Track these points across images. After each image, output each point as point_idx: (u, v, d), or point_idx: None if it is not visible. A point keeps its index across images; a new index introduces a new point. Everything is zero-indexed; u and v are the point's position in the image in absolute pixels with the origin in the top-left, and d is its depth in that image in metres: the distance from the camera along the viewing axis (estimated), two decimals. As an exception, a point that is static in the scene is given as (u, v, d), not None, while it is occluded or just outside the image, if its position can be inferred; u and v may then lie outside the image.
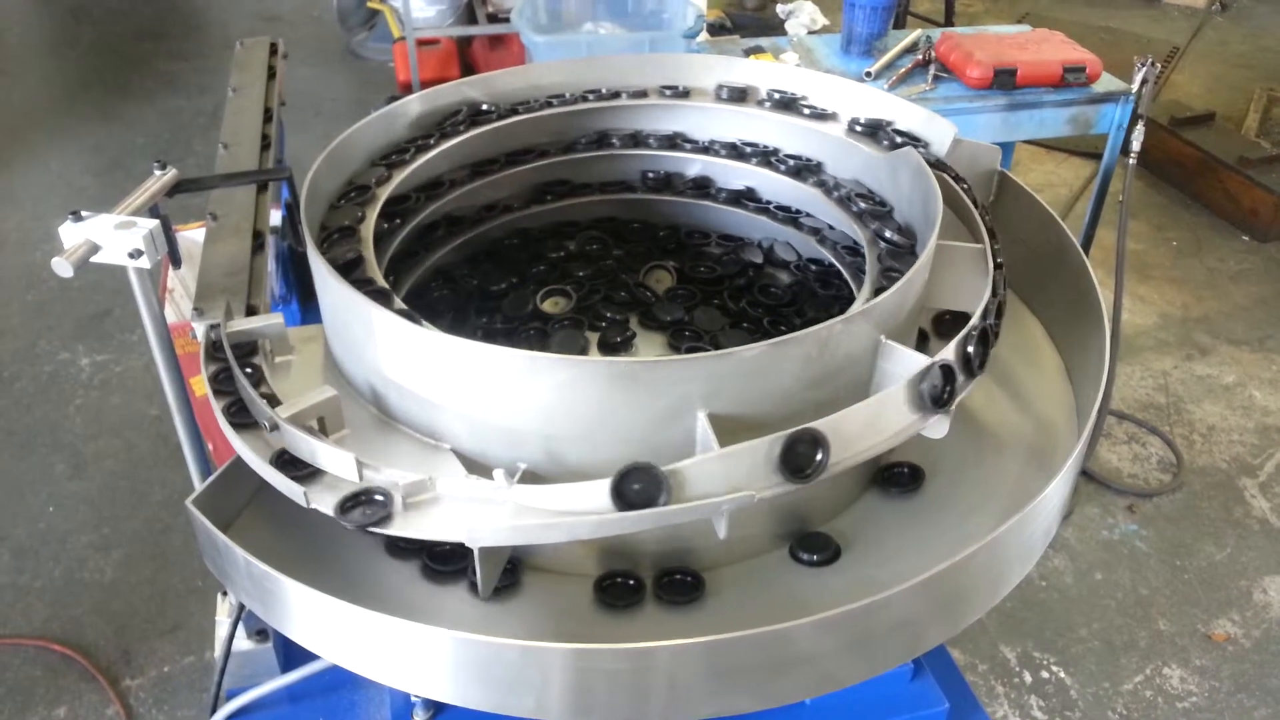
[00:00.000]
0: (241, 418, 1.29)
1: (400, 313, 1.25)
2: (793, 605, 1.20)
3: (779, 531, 1.33)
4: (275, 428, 1.22)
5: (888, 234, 1.51)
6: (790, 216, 1.83)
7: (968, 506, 1.36)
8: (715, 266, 1.88)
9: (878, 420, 1.17)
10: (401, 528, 1.14)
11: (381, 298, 1.32)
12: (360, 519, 1.13)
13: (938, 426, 1.23)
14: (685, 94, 1.88)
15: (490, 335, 1.74)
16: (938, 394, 1.20)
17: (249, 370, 1.34)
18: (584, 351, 1.70)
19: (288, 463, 1.22)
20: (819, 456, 1.10)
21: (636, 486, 1.08)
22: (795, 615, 1.06)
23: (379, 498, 1.15)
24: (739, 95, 1.87)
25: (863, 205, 1.61)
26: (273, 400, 1.28)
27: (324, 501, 1.16)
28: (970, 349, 1.25)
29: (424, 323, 1.24)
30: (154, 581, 3.17)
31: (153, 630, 3.01)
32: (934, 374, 1.20)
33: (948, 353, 1.23)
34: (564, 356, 1.15)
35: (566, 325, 1.75)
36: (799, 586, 1.28)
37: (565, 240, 1.94)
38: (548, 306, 1.81)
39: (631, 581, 1.27)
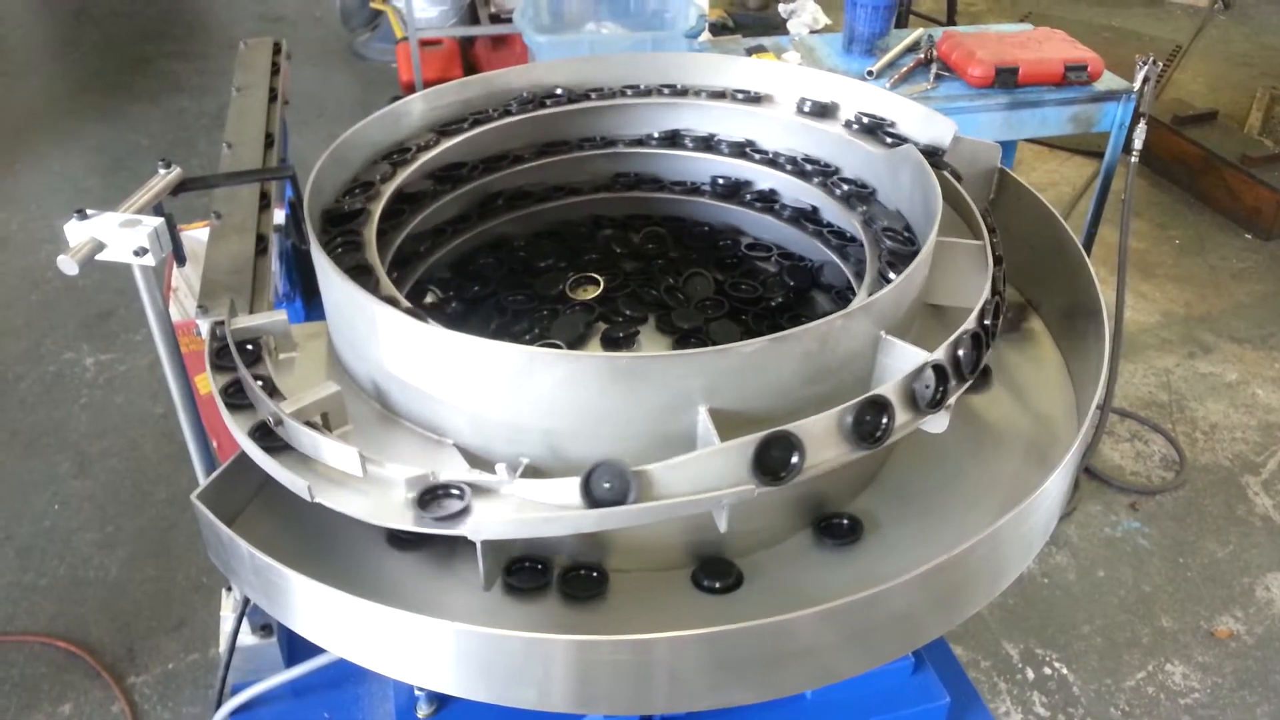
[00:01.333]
0: (246, 412, 1.30)
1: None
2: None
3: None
4: (279, 423, 1.23)
5: (891, 276, 1.47)
6: (841, 244, 1.77)
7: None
8: (757, 286, 1.81)
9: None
10: (403, 520, 1.14)
11: (353, 248, 1.34)
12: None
13: (937, 422, 1.24)
14: (757, 99, 1.86)
15: (504, 310, 1.76)
16: (775, 466, 1.11)
17: (252, 366, 1.35)
18: (582, 337, 1.71)
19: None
20: (630, 496, 1.08)
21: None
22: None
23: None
24: (820, 110, 1.82)
25: (889, 243, 1.56)
26: (277, 396, 1.29)
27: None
28: (852, 421, 1.15)
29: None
30: (158, 579, 3.18)
31: (157, 627, 3.02)
32: (771, 445, 1.11)
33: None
34: (564, 352, 1.16)
35: (576, 310, 1.76)
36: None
37: (630, 232, 1.94)
38: (577, 293, 1.82)
39: (540, 566, 1.26)
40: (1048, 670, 2.96)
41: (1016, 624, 3.09)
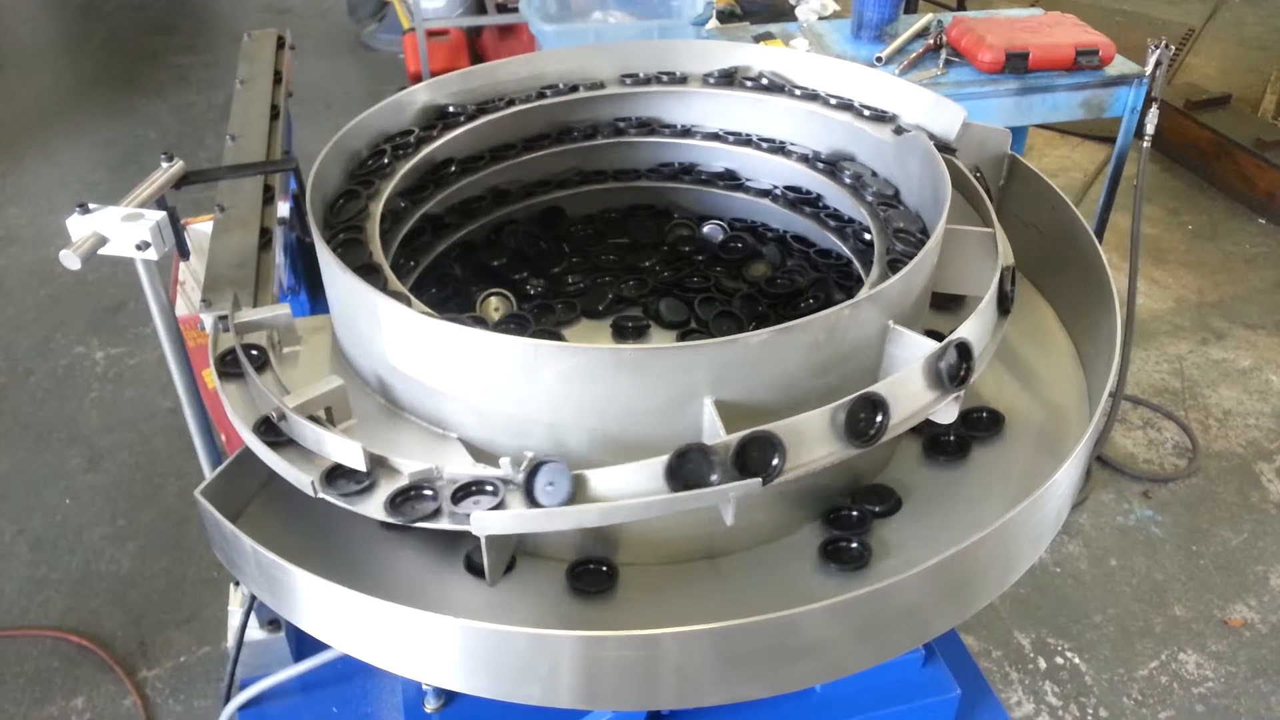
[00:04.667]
0: (250, 408, 1.29)
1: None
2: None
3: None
4: (283, 417, 1.22)
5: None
6: None
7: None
8: None
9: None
10: (405, 515, 1.14)
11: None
12: (342, 489, 1.15)
13: (947, 411, 1.23)
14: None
15: (587, 259, 1.84)
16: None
17: (255, 358, 1.34)
18: (606, 309, 1.74)
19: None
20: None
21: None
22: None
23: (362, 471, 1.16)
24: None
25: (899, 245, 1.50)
26: (281, 390, 1.28)
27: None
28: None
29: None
30: (170, 572, 3.19)
31: (169, 621, 3.03)
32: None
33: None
34: (568, 344, 1.15)
35: (627, 284, 1.79)
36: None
37: (788, 256, 1.85)
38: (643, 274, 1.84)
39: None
40: (1060, 660, 2.95)
41: (1028, 613, 3.07)
